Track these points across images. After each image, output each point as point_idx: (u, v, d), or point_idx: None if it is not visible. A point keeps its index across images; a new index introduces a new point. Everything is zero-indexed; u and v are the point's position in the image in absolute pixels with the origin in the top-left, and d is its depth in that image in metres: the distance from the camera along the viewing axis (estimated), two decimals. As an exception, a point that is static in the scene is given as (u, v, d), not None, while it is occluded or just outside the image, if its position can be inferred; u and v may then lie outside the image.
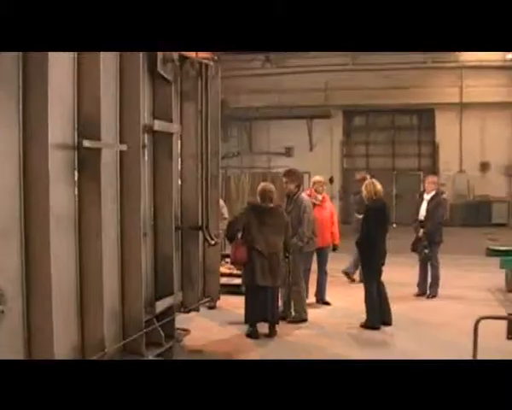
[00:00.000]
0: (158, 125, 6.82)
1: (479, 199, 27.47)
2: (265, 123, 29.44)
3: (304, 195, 10.07)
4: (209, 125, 7.83)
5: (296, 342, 8.65)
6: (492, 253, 12.33)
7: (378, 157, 29.61)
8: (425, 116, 29.04)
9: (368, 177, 13.28)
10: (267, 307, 8.87)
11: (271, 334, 8.91)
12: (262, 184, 9.34)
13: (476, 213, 26.83)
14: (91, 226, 5.56)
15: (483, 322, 9.16)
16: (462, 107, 27.40)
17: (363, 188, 9.49)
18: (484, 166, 27.84)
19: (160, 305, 6.86)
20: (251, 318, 8.91)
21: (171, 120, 7.03)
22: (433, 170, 28.40)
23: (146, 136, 6.72)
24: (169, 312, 7.10)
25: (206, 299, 8.32)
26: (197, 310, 7.94)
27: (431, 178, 12.33)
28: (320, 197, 10.94)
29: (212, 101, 7.96)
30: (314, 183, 11.21)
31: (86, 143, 5.39)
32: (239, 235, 9.02)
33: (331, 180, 29.19)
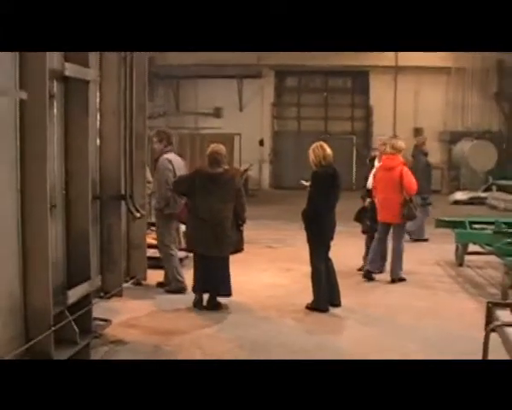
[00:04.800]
0: (70, 69, 5.47)
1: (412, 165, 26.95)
2: (193, 82, 28.09)
3: (168, 156, 9.09)
4: (134, 75, 6.56)
5: (237, 331, 7.52)
6: (442, 224, 11.50)
7: (310, 120, 28.67)
8: (359, 79, 28.24)
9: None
10: (211, 278, 8.21)
11: (211, 306, 8.28)
12: (211, 146, 8.41)
13: (409, 179, 26.26)
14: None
15: (462, 311, 8.40)
16: (397, 70, 26.74)
17: (310, 152, 8.35)
18: (417, 132, 27.30)
19: (74, 294, 5.59)
20: (196, 287, 8.37)
21: (87, 65, 5.69)
22: (367, 134, 27.92)
23: (55, 83, 5.38)
24: (85, 301, 5.84)
25: (131, 280, 7.13)
26: (120, 295, 6.70)
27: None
28: None
29: (139, 45, 6.67)
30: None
31: (-31, 88, 4.05)
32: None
33: (261, 143, 28.30)
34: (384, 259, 10.31)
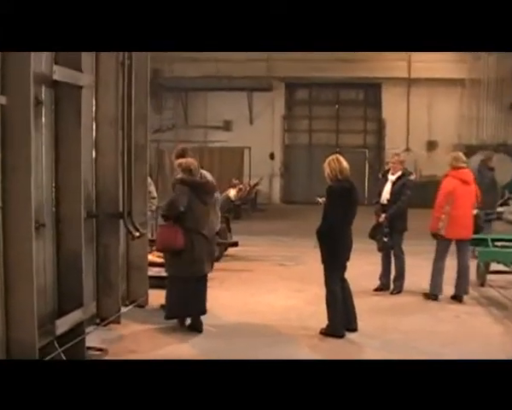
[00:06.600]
0: (60, 73, 4.96)
1: (426, 179, 26.32)
2: (203, 94, 27.86)
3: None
4: (133, 81, 6.05)
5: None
6: (462, 241, 10.89)
7: (321, 133, 28.44)
8: (371, 91, 28.04)
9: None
10: (197, 299, 7.59)
11: (198, 327, 7.57)
12: (181, 160, 7.57)
13: (423, 194, 25.58)
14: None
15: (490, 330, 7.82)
16: (410, 82, 26.28)
17: (326, 165, 7.79)
18: (431, 145, 26.83)
19: (64, 322, 5.09)
20: (183, 311, 7.63)
21: (79, 69, 5.17)
22: (379, 147, 27.44)
23: (43, 88, 4.86)
24: (78, 329, 5.30)
25: (131, 305, 6.60)
26: (117, 322, 6.14)
27: (397, 157, 10.59)
28: None
29: (139, 49, 6.19)
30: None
31: None
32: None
33: (272, 156, 27.89)
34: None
